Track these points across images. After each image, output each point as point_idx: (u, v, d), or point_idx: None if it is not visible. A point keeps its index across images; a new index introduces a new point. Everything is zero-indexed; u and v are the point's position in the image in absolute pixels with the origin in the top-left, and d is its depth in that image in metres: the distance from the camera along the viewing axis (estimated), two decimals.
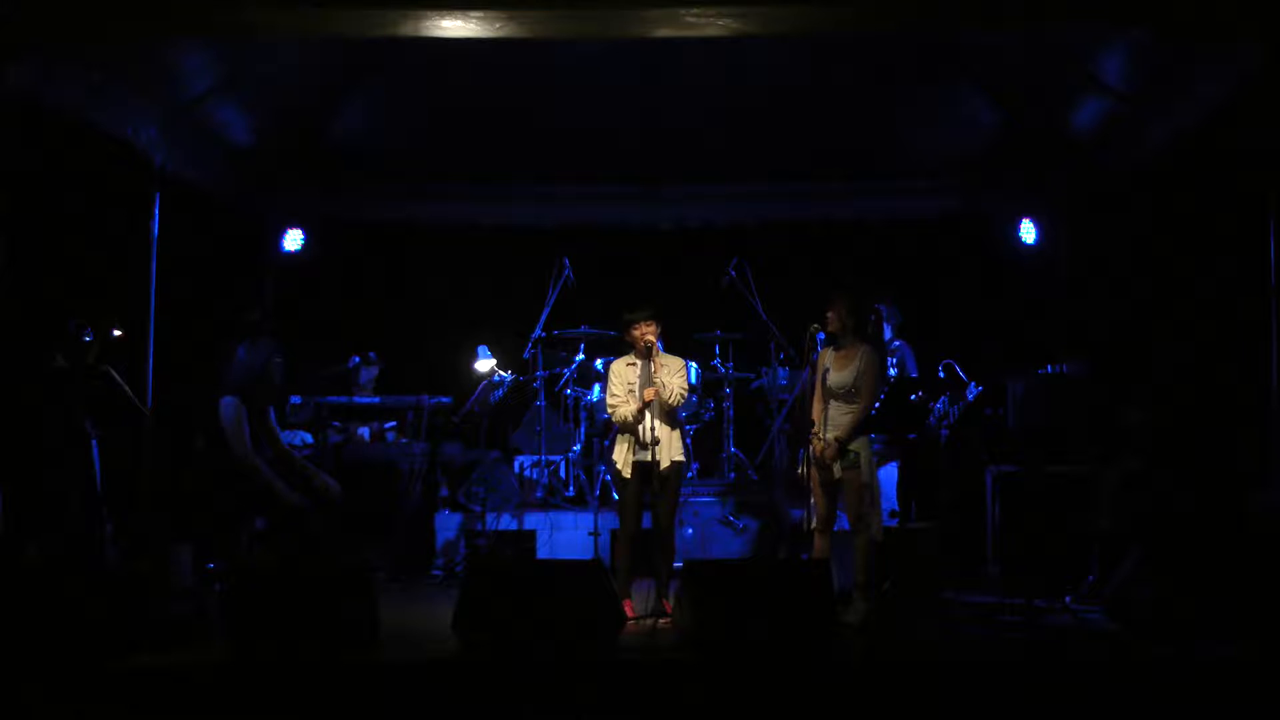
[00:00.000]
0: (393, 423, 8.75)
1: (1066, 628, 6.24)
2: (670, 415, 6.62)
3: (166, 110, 7.59)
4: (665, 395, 6.51)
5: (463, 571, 7.76)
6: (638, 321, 6.61)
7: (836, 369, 6.42)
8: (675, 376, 6.59)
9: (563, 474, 8.99)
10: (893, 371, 8.00)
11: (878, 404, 7.32)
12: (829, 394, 6.41)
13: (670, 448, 6.58)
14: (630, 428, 6.56)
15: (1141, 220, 8.30)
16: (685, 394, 6.61)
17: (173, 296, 7.66)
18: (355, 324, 9.63)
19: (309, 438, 7.94)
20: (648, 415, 6.47)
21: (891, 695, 5.10)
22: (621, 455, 6.60)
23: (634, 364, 6.67)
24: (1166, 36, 6.51)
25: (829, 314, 6.46)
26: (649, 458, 6.44)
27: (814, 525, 6.35)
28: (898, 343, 8.20)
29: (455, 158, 9.23)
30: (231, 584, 5.69)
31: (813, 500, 6.37)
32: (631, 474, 6.51)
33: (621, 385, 6.65)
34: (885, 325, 8.13)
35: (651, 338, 6.59)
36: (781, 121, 8.75)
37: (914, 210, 9.66)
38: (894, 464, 7.78)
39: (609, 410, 6.73)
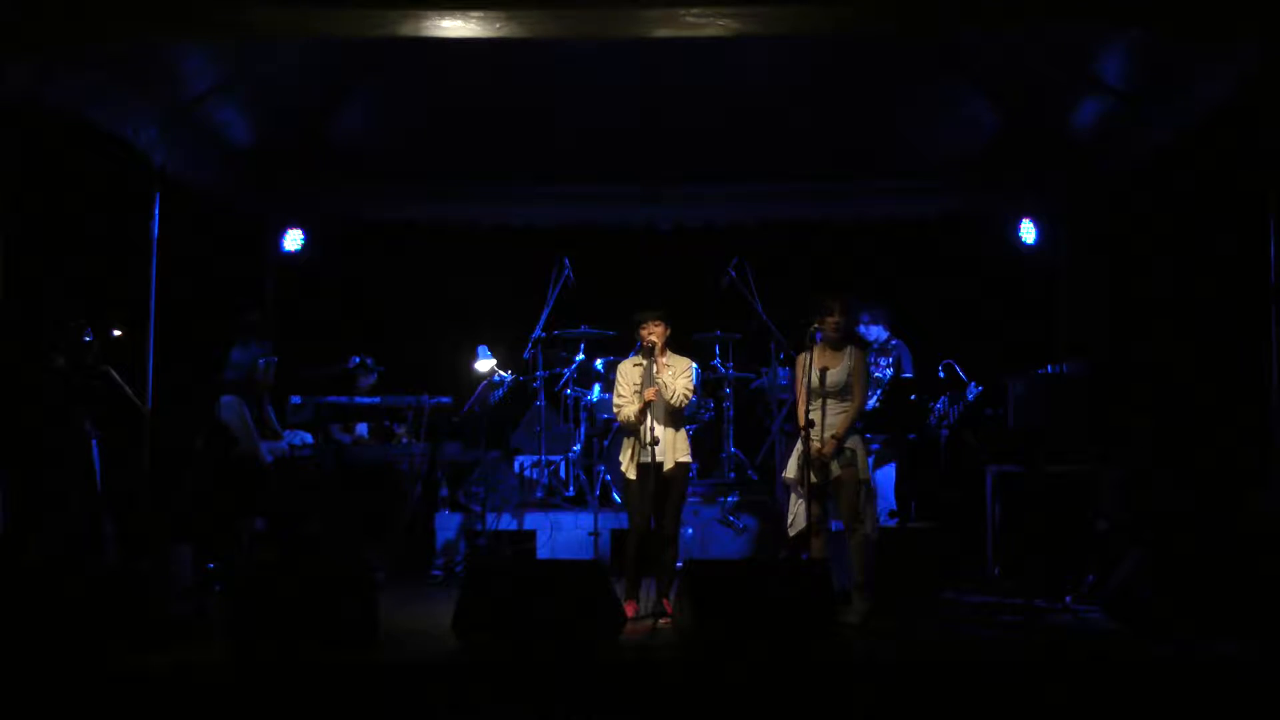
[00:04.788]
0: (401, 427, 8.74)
1: (1066, 628, 6.24)
2: (674, 416, 6.61)
3: (166, 110, 7.58)
4: (667, 395, 6.51)
5: (463, 571, 7.76)
6: (644, 321, 6.62)
7: (830, 369, 6.42)
8: (680, 378, 6.58)
9: (563, 474, 8.98)
10: (890, 371, 8.01)
11: (877, 404, 7.33)
12: (825, 393, 6.41)
13: (675, 449, 6.57)
14: (632, 428, 6.56)
15: (1141, 220, 8.30)
16: (689, 395, 6.58)
17: (173, 296, 7.66)
18: (355, 324, 9.63)
19: (309, 438, 7.93)
20: (649, 415, 6.47)
21: (891, 695, 5.10)
22: (626, 456, 6.60)
23: (640, 364, 6.67)
24: (1166, 36, 6.50)
25: (829, 317, 6.47)
26: (654, 458, 6.44)
27: (805, 526, 6.34)
28: (895, 342, 8.20)
29: (455, 158, 9.21)
30: (231, 584, 5.69)
31: (803, 500, 6.36)
32: (636, 475, 6.51)
33: (627, 385, 6.66)
34: (875, 327, 8.14)
35: (654, 338, 6.59)
36: (781, 121, 8.74)
37: (914, 210, 9.64)
38: (894, 464, 7.79)
39: (614, 409, 6.74)
